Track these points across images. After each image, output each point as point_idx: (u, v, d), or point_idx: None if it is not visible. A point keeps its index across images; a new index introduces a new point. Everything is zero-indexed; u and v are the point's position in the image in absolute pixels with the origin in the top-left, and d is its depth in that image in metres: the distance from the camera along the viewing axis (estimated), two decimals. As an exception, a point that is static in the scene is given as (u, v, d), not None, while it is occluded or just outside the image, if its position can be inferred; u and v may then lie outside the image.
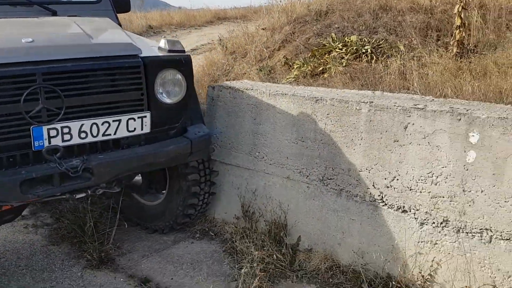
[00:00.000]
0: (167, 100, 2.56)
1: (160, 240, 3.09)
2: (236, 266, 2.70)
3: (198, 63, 6.80)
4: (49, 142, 2.20)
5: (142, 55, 2.47)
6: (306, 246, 2.82)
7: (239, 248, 2.81)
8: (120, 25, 3.25)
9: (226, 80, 5.47)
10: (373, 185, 2.49)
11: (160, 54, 2.58)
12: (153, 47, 2.69)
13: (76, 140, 2.27)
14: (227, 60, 5.85)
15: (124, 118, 2.37)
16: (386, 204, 2.46)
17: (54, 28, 2.74)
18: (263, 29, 5.60)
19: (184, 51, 2.66)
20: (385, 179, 2.43)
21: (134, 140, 2.48)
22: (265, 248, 2.72)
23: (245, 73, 5.38)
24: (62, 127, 2.21)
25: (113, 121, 2.34)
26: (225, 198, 3.25)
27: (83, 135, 2.28)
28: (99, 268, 2.72)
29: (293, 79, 4.73)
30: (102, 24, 2.97)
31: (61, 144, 2.23)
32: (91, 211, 3.08)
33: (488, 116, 2.05)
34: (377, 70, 4.08)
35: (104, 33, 2.81)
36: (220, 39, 6.64)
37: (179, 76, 2.57)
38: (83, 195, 2.54)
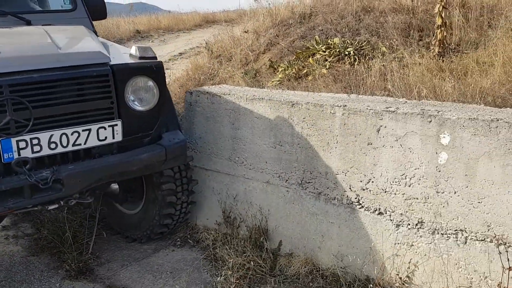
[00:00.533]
0: (139, 108, 2.55)
1: (140, 249, 3.07)
2: (216, 273, 2.69)
3: (185, 67, 6.79)
4: (19, 154, 2.19)
5: (111, 63, 2.46)
6: (287, 250, 2.81)
7: (219, 255, 2.80)
8: (96, 33, 3.25)
9: (212, 84, 5.46)
10: (350, 188, 2.49)
11: (131, 61, 2.57)
12: (125, 54, 2.69)
13: (46, 151, 2.26)
14: (213, 64, 5.85)
15: (94, 127, 2.36)
16: (362, 207, 2.46)
17: (24, 39, 2.74)
18: (245, 32, 5.60)
19: (155, 58, 2.65)
20: (361, 181, 2.43)
21: (106, 149, 2.47)
22: (245, 254, 2.71)
23: (231, 77, 5.37)
24: (31, 139, 2.21)
25: (83, 130, 2.33)
26: (206, 204, 3.24)
27: (52, 145, 2.27)
28: (78, 279, 2.70)
29: (278, 82, 4.73)
30: (75, 32, 2.96)
31: (30, 155, 2.21)
32: (71, 220, 3.07)
33: (459, 117, 2.05)
34: (359, 72, 4.08)
35: (74, 42, 2.79)
36: (206, 43, 6.63)
37: (150, 83, 2.56)
38: (55, 206, 2.51)
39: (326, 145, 2.52)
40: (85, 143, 2.36)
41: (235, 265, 2.55)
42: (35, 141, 2.22)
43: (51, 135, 2.26)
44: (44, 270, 2.80)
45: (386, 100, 2.55)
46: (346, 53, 4.53)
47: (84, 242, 2.98)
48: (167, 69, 6.80)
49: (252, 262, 2.60)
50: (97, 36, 3.14)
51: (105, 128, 2.40)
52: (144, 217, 3.04)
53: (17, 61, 2.25)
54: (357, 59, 4.47)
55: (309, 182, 2.64)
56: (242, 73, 5.34)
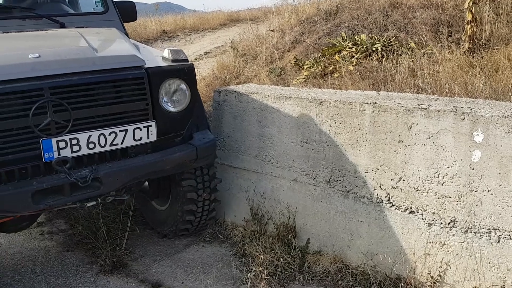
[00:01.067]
0: (172, 109, 2.61)
1: (172, 245, 3.14)
2: (245, 269, 2.72)
3: (211, 66, 6.85)
4: (59, 154, 2.26)
5: (145, 66, 2.52)
6: (315, 248, 2.82)
7: (248, 251, 2.83)
8: (127, 35, 3.31)
9: (237, 82, 5.50)
10: (380, 186, 2.47)
11: (164, 64, 2.62)
12: (158, 57, 2.74)
13: (84, 151, 2.33)
14: (238, 62, 5.88)
15: (130, 128, 2.43)
16: (393, 205, 2.44)
17: (61, 42, 2.80)
18: (271, 30, 5.61)
19: (187, 60, 2.70)
20: (392, 180, 2.41)
21: (141, 149, 2.53)
22: (274, 251, 2.73)
23: (256, 75, 5.40)
24: (70, 139, 2.27)
25: (120, 131, 2.40)
26: (234, 202, 3.28)
27: (91, 145, 2.33)
28: (112, 273, 2.77)
29: (303, 80, 4.72)
30: (108, 35, 3.03)
31: (70, 155, 2.29)
32: (104, 217, 3.16)
33: (492, 114, 2.01)
34: (387, 68, 4.03)
35: (109, 45, 2.86)
36: (232, 42, 6.67)
37: (182, 85, 2.62)
38: (93, 203, 2.59)
39: (355, 143, 2.51)
40: (121, 143, 2.42)
41: (265, 262, 2.57)
42: (74, 141, 2.29)
43: (90, 136, 2.32)
44: (79, 265, 2.90)
45: (418, 97, 2.52)
46: (374, 49, 4.48)
47: (117, 237, 3.06)
48: (193, 68, 6.88)
49: (281, 259, 2.62)
50: (129, 38, 3.21)
51: (140, 129, 2.46)
52: (170, 213, 3.11)
53: (56, 64, 2.31)
54: (385, 55, 4.42)
55: (337, 180, 2.64)
56: (267, 71, 5.35)
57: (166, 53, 2.67)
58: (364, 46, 4.56)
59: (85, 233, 3.13)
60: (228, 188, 3.32)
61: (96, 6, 3.57)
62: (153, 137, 2.51)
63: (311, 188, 2.77)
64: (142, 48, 2.93)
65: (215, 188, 3.09)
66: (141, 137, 2.47)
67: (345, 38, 4.78)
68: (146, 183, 3.03)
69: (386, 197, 2.46)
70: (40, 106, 2.18)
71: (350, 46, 4.63)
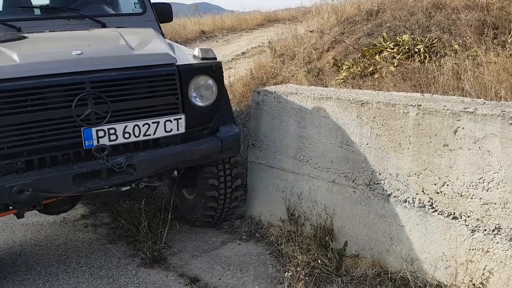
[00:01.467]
0: (200, 103, 2.79)
1: (209, 241, 3.19)
2: (282, 269, 2.73)
3: (247, 66, 6.90)
4: (98, 142, 2.47)
5: (177, 63, 2.71)
6: (353, 251, 2.80)
7: (285, 251, 2.84)
8: (163, 34, 3.48)
9: (274, 83, 5.51)
10: (423, 191, 2.43)
11: (194, 61, 2.81)
12: (189, 55, 2.93)
13: (121, 140, 2.53)
14: (276, 63, 5.90)
15: (162, 120, 2.62)
16: (436, 210, 2.39)
17: (101, 41, 3.02)
18: (310, 31, 5.59)
19: (215, 59, 2.88)
20: (435, 184, 2.37)
21: (171, 140, 2.72)
22: (310, 252, 2.73)
23: (293, 76, 5.40)
24: (108, 129, 2.49)
25: (152, 123, 2.60)
26: (270, 201, 3.30)
27: (126, 135, 2.54)
28: (152, 267, 2.85)
29: (342, 80, 4.69)
30: (145, 35, 3.22)
31: (108, 143, 2.49)
32: (146, 211, 3.24)
33: (545, 119, 1.94)
34: (430, 70, 3.95)
35: (145, 44, 3.03)
36: (269, 42, 6.70)
37: (210, 81, 2.80)
38: (127, 188, 2.79)
39: (397, 145, 2.48)
40: (154, 134, 2.62)
41: (302, 263, 2.57)
42: (111, 131, 2.50)
43: (126, 126, 2.53)
44: (121, 257, 2.99)
45: (463, 101, 2.46)
46: (416, 50, 4.40)
47: (158, 232, 3.15)
48: (230, 68, 6.97)
49: (318, 260, 2.62)
50: (164, 37, 3.37)
51: (171, 121, 2.65)
52: (196, 201, 3.27)
53: (97, 61, 2.51)
54: (427, 56, 4.33)
55: (378, 183, 2.61)
56: (305, 71, 5.34)
57: (196, 52, 2.86)
58: (406, 47, 4.49)
59: (128, 226, 3.23)
60: (265, 187, 3.34)
61: (135, 7, 3.78)
62: (182, 129, 2.70)
63: (350, 190, 2.75)
64: (175, 47, 3.10)
65: (236, 176, 3.21)
66: (171, 129, 2.67)
67: (386, 38, 4.72)
68: (175, 172, 3.20)
69: (428, 202, 2.41)
70: (81, 98, 2.40)
71: (392, 47, 4.57)
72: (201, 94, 2.80)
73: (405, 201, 2.51)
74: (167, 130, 2.65)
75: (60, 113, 2.39)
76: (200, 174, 3.15)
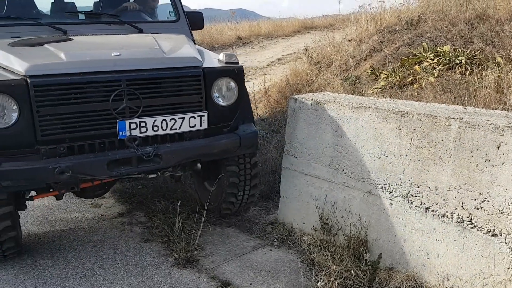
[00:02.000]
0: (222, 103, 3.07)
1: (241, 245, 3.21)
2: (313, 278, 2.72)
3: (282, 73, 6.92)
4: (130, 133, 2.76)
5: (203, 66, 3.00)
6: (387, 264, 2.75)
7: (317, 260, 2.83)
8: (194, 41, 3.76)
9: (309, 90, 5.51)
10: (462, 206, 2.37)
11: (218, 65, 3.10)
12: (214, 59, 3.22)
13: (150, 132, 2.81)
14: (312, 70, 5.89)
15: (187, 116, 2.89)
16: (475, 227, 2.32)
17: (137, 44, 3.35)
18: (349, 40, 5.56)
19: (238, 63, 3.16)
20: (475, 200, 2.30)
21: (194, 134, 2.98)
22: (343, 262, 2.71)
23: (329, 83, 5.38)
24: (140, 122, 2.77)
25: (178, 118, 2.87)
26: (303, 209, 3.29)
27: (155, 128, 2.82)
28: (185, 267, 2.89)
29: (380, 89, 4.64)
30: (177, 40, 3.49)
31: (139, 135, 2.78)
32: (180, 212, 3.30)
33: None
34: (471, 82, 3.85)
35: (176, 48, 3.28)
36: (306, 49, 6.70)
37: (232, 83, 3.08)
38: (154, 175, 3.12)
39: (438, 158, 2.43)
40: (179, 128, 2.89)
41: (334, 273, 2.55)
42: (142, 124, 2.78)
43: (155, 120, 2.81)
44: (155, 256, 3.06)
45: (507, 115, 2.38)
46: (457, 61, 4.31)
47: (191, 233, 3.19)
48: (265, 74, 7.01)
49: (351, 271, 2.59)
50: (195, 43, 3.67)
51: (195, 118, 2.91)
52: (217, 193, 3.52)
53: (133, 62, 2.83)
54: (469, 68, 4.23)
55: (415, 196, 2.56)
56: (341, 79, 5.31)
57: (221, 57, 3.16)
58: (447, 58, 4.40)
59: (162, 226, 3.30)
60: (298, 195, 3.34)
61: (170, 15, 4.08)
62: (204, 125, 2.96)
63: (387, 202, 2.71)
64: (204, 52, 3.39)
65: (256, 175, 3.47)
66: (195, 125, 2.93)
67: (427, 49, 4.63)
68: (199, 165, 3.43)
69: (468, 217, 2.35)
70: (118, 94, 2.71)
71: (432, 57, 4.49)
72: (223, 94, 3.07)
73: (444, 215, 2.45)
74: (191, 125, 2.91)
75: (99, 106, 2.69)
76: (222, 171, 3.42)
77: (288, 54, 8.75)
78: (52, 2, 4.25)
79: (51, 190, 3.01)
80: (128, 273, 2.87)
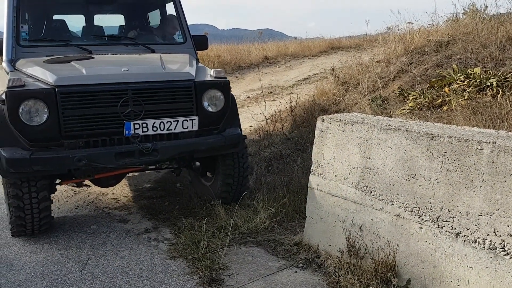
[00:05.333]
0: (210, 110, 3.73)
1: (266, 266, 3.19)
2: (340, 301, 2.67)
3: (309, 92, 6.93)
4: (134, 131, 3.45)
5: (195, 79, 3.67)
6: (415, 289, 2.68)
7: (343, 284, 2.78)
8: (197, 59, 4.41)
9: (336, 110, 5.49)
10: (494, 232, 2.30)
11: (208, 79, 3.78)
12: (208, 74, 3.87)
13: (150, 132, 3.50)
14: (338, 90, 5.89)
15: (180, 119, 3.57)
16: (507, 254, 2.24)
17: (143, 62, 4.01)
18: (377, 61, 5.54)
19: (225, 78, 3.85)
20: (508, 226, 2.23)
21: (187, 135, 3.64)
22: (370, 287, 2.65)
23: (356, 104, 5.36)
24: (142, 123, 3.46)
25: (173, 121, 3.55)
26: (329, 230, 3.25)
27: (154, 128, 3.50)
28: (210, 286, 2.88)
29: (408, 111, 4.59)
30: (180, 59, 4.18)
31: (141, 133, 3.47)
32: (206, 230, 3.32)
33: None
34: (503, 105, 3.78)
35: (175, 65, 3.97)
36: (332, 69, 6.71)
37: (219, 93, 3.76)
38: (153, 167, 3.95)
39: (469, 182, 2.37)
40: (174, 129, 3.57)
41: (361, 297, 2.50)
42: (144, 125, 3.47)
43: (154, 122, 3.50)
44: (180, 274, 3.06)
45: (544, 140, 2.32)
46: (488, 84, 4.23)
47: (217, 251, 3.20)
48: (291, 93, 7.02)
49: (379, 296, 2.53)
50: (198, 62, 4.33)
51: (187, 121, 3.60)
52: (213, 186, 4.26)
53: (137, 76, 3.54)
54: (500, 91, 4.14)
55: (446, 221, 2.50)
56: (369, 100, 5.27)
57: (212, 72, 3.85)
58: (478, 80, 4.32)
59: (188, 243, 3.31)
60: (324, 216, 3.31)
61: (178, 38, 4.75)
62: (196, 127, 3.64)
63: (416, 226, 2.66)
64: (202, 69, 4.03)
65: (246, 168, 4.15)
66: (188, 126, 3.61)
67: (457, 70, 4.58)
68: (198, 164, 4.15)
69: (500, 244, 2.28)
70: (125, 101, 3.41)
71: (462, 79, 4.42)
72: (212, 102, 3.73)
73: (475, 241, 2.38)
74: (184, 127, 3.58)
75: (110, 110, 3.39)
76: (218, 167, 4.13)
77: (314, 74, 8.77)
78: (83, 26, 5.01)
79: (73, 178, 3.72)
80: (154, 290, 2.88)
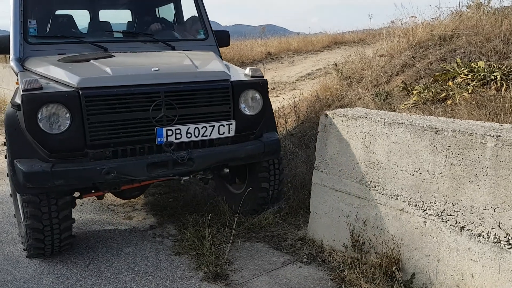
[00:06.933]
0: (248, 113, 3.36)
1: (270, 261, 3.20)
2: (344, 296, 2.68)
3: (312, 88, 6.92)
4: (166, 139, 3.05)
5: (231, 79, 3.29)
6: (420, 284, 2.68)
7: (348, 278, 2.78)
8: (221, 57, 4.05)
9: (340, 105, 5.48)
10: (499, 225, 2.29)
11: (244, 78, 3.39)
12: (241, 73, 3.50)
13: (184, 139, 3.11)
14: (342, 85, 5.87)
15: (216, 124, 3.19)
16: (513, 248, 2.24)
17: (173, 60, 3.68)
18: (380, 56, 5.52)
19: (262, 77, 3.45)
20: (514, 220, 2.23)
21: (223, 141, 3.28)
22: (375, 281, 2.66)
23: (360, 98, 5.34)
24: (175, 129, 3.08)
25: (209, 126, 3.17)
26: (333, 225, 3.26)
27: (188, 135, 3.12)
28: (215, 282, 2.90)
29: (412, 105, 4.57)
30: (207, 56, 3.84)
31: (174, 140, 3.08)
32: (210, 226, 3.33)
33: None
34: (507, 99, 3.75)
35: (207, 64, 3.62)
36: (336, 64, 6.69)
37: (257, 95, 3.38)
38: (187, 178, 3.39)
39: (473, 176, 2.37)
40: (210, 135, 3.19)
41: (366, 291, 2.51)
42: (177, 131, 3.08)
43: (188, 128, 3.11)
44: (185, 270, 3.08)
45: (549, 133, 2.31)
46: (492, 77, 4.20)
47: (221, 247, 3.21)
48: (294, 89, 7.04)
49: (384, 290, 2.54)
50: (222, 59, 3.98)
51: (224, 126, 3.22)
52: (246, 195, 3.78)
53: (170, 76, 3.14)
54: (504, 84, 4.12)
55: (450, 215, 2.50)
56: (372, 95, 5.26)
57: (247, 71, 3.45)
58: (482, 74, 4.29)
59: (192, 239, 3.33)
60: (329, 211, 3.31)
61: (199, 34, 4.41)
62: (232, 133, 3.26)
63: (420, 220, 2.66)
64: (230, 67, 3.67)
65: (282, 180, 3.83)
66: (224, 132, 3.23)
67: (461, 64, 4.55)
68: (227, 170, 3.73)
69: (505, 237, 2.27)
70: (157, 104, 3.01)
71: (466, 73, 4.39)
72: (249, 105, 3.36)
73: (480, 235, 2.38)
74: (220, 133, 3.21)
75: (140, 115, 2.99)
76: (251, 175, 3.77)
77: (317, 69, 8.76)
78: (89, 22, 4.62)
79: (92, 191, 3.34)
80: (159, 285, 2.90)
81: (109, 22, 4.52)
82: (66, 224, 3.16)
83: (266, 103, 3.45)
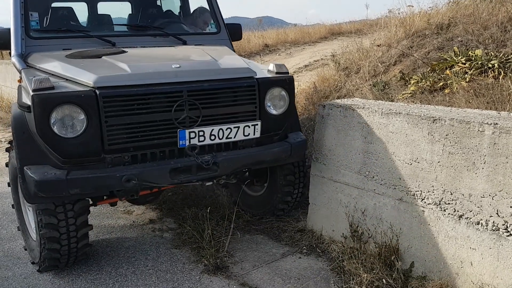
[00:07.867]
0: (274, 112, 3.11)
1: (270, 252, 3.21)
2: (344, 286, 2.69)
3: (310, 79, 6.90)
4: (189, 142, 2.81)
5: (256, 76, 3.03)
6: (420, 273, 2.70)
7: (347, 268, 2.79)
8: (234, 51, 3.80)
9: (337, 96, 5.46)
10: (497, 213, 2.30)
11: (270, 75, 3.13)
12: (263, 70, 3.26)
13: (207, 141, 2.86)
14: (339, 76, 5.85)
15: (242, 125, 2.95)
16: (511, 234, 2.25)
17: (191, 56, 3.41)
18: (377, 45, 5.50)
19: (288, 73, 3.19)
20: (511, 207, 2.23)
21: (248, 143, 3.04)
22: (374, 271, 2.67)
23: (357, 89, 5.32)
24: (198, 131, 2.81)
25: (234, 127, 2.92)
26: (332, 216, 3.26)
27: (212, 137, 2.87)
28: (215, 274, 2.92)
29: (410, 95, 4.56)
30: (224, 51, 3.59)
31: (197, 143, 2.83)
32: (210, 219, 3.33)
33: None
34: (505, 86, 3.74)
35: (227, 60, 3.36)
36: (333, 55, 6.66)
37: (283, 92, 3.12)
38: (210, 183, 3.18)
39: (471, 165, 2.37)
40: (234, 137, 2.94)
41: (365, 281, 2.52)
42: (201, 133, 2.82)
43: (212, 129, 2.85)
44: (185, 263, 3.09)
45: (546, 120, 2.31)
46: (490, 65, 4.19)
47: (220, 240, 3.22)
48: (292, 80, 6.99)
49: (383, 280, 2.55)
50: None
51: (249, 127, 2.97)
52: (267, 197, 3.66)
53: (192, 73, 2.87)
54: (502, 72, 4.11)
55: (448, 204, 2.51)
56: (370, 85, 5.24)
57: (271, 67, 3.19)
58: (479, 62, 4.28)
59: (192, 233, 3.34)
60: (327, 202, 3.32)
61: (211, 27, 4.14)
62: (257, 134, 3.03)
63: (419, 209, 2.66)
64: (248, 63, 3.40)
65: (306, 171, 3.60)
66: (249, 133, 2.99)
67: (458, 53, 4.53)
68: (247, 173, 3.46)
69: (503, 225, 2.28)
70: (179, 104, 2.74)
71: (463, 61, 4.38)
72: (275, 103, 3.11)
73: (478, 223, 2.39)
74: (245, 134, 2.97)
75: (161, 116, 2.73)
76: (272, 177, 3.57)
77: (315, 61, 8.72)
78: (88, 15, 4.39)
79: (104, 198, 3.13)
80: (160, 279, 2.91)
81: (109, 15, 4.26)
82: (83, 231, 2.95)
83: (292, 101, 3.21)
